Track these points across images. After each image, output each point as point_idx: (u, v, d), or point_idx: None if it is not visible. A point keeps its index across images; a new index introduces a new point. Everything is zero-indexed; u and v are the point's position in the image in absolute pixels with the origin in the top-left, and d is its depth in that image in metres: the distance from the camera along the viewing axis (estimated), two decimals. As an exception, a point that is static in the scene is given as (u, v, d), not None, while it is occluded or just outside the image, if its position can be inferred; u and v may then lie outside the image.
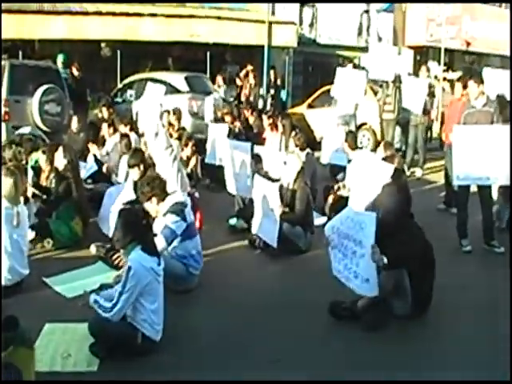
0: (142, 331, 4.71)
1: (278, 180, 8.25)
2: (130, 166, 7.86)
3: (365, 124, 15.41)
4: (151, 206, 6.13)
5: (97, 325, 4.73)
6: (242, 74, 17.46)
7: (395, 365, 4.83)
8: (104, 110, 12.32)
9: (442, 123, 16.39)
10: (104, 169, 9.65)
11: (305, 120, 16.61)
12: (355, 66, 16.10)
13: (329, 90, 15.88)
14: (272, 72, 18.31)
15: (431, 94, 13.80)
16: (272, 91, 18.03)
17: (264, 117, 12.07)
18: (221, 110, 13.65)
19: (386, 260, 5.23)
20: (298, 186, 7.61)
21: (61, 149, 7.96)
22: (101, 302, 4.76)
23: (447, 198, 9.91)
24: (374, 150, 13.13)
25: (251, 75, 16.78)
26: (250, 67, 17.24)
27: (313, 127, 16.03)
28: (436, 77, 19.79)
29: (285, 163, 7.98)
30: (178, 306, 5.50)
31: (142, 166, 7.74)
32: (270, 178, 8.29)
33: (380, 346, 5.16)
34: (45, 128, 12.04)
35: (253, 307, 5.88)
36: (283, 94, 20.39)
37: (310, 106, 17.48)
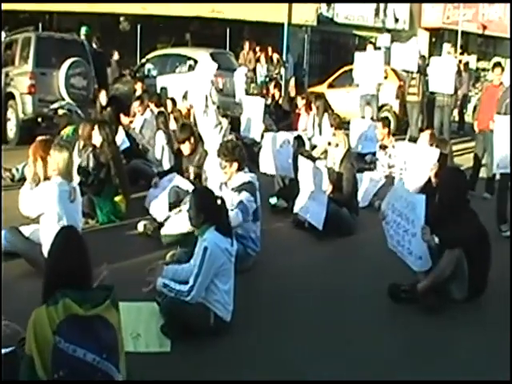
0: (214, 311, 4.64)
1: (319, 159, 8.17)
2: (180, 142, 7.75)
3: (386, 105, 15.36)
4: (228, 170, 6.05)
5: (170, 306, 4.65)
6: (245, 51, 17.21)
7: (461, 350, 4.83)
8: (139, 85, 12.17)
9: (460, 106, 16.53)
10: (141, 146, 9.52)
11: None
12: (375, 48, 15.96)
13: (349, 70, 15.82)
14: (270, 48, 17.78)
15: (459, 73, 13.82)
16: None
17: (298, 97, 11.95)
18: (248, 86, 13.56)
19: (437, 240, 5.28)
20: (345, 166, 7.49)
21: (96, 127, 7.85)
22: (172, 285, 4.65)
23: (470, 182, 9.87)
24: (395, 131, 13.17)
25: (275, 54, 16.60)
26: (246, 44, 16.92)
27: (334, 107, 15.93)
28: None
29: (329, 144, 7.85)
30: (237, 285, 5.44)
31: (192, 140, 7.65)
32: (313, 159, 8.20)
33: (441, 329, 5.15)
34: (70, 101, 11.90)
35: (310, 289, 5.83)
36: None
37: (331, 86, 17.36)
